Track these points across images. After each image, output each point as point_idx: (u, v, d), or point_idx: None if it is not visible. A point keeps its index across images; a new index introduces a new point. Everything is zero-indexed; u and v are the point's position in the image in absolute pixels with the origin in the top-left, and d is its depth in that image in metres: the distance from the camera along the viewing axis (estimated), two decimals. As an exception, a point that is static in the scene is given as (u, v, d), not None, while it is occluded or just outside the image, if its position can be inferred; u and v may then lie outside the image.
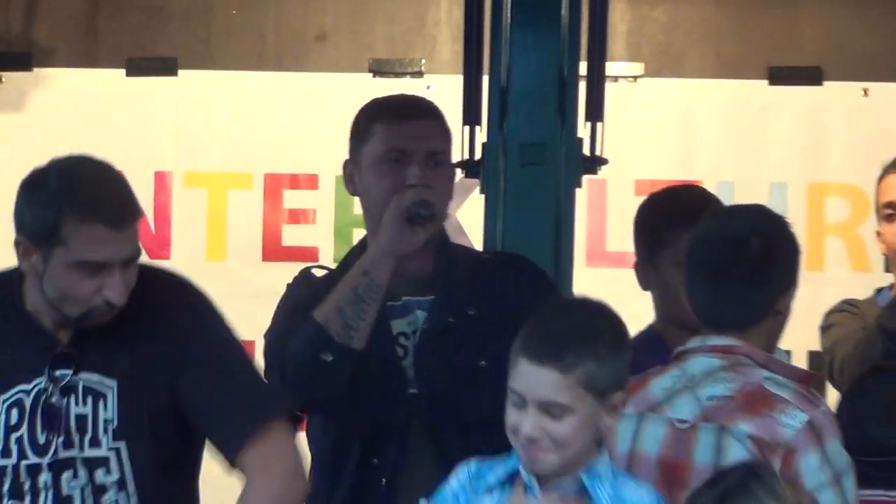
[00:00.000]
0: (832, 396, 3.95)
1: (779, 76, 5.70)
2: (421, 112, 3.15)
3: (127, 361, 2.77)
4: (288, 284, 3.24)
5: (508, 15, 3.42)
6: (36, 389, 2.71)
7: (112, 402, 2.75)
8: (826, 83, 5.74)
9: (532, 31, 3.50)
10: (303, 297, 3.09)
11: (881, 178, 4.50)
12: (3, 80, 5.74)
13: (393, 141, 3.03)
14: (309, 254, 5.23)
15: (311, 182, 5.62)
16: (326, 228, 5.40)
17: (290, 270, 3.35)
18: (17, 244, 2.67)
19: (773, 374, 2.75)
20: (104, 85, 5.82)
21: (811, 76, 5.70)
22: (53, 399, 2.69)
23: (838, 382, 4.10)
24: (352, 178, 3.09)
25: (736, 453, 2.64)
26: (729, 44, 5.96)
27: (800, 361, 4.68)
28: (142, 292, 2.68)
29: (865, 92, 5.79)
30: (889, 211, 4.54)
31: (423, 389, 2.99)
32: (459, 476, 2.46)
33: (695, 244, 2.95)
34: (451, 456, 2.59)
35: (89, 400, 2.75)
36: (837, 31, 6.06)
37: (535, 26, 3.49)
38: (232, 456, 2.64)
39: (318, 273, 3.21)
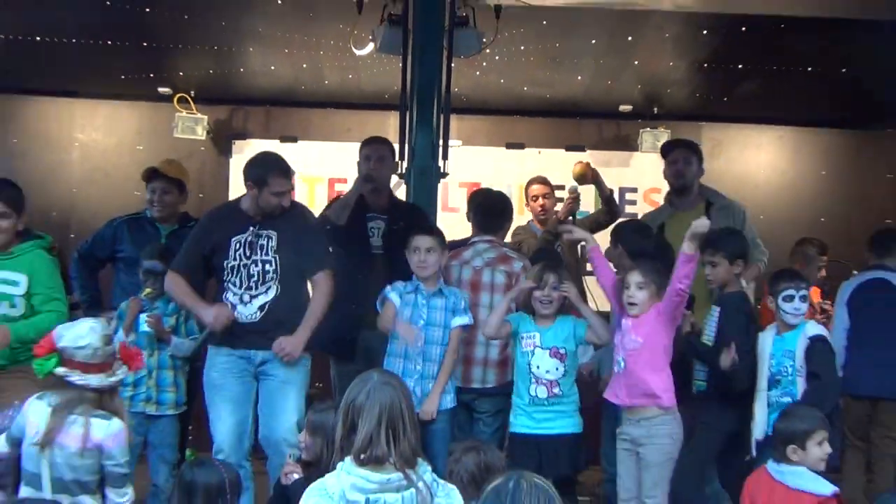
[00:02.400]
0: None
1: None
2: (378, 141, 6.24)
3: (281, 227, 5.41)
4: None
5: (414, 120, 6.04)
6: (246, 235, 5.40)
7: (274, 241, 5.39)
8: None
9: (421, 130, 6.04)
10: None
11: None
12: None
13: (366, 151, 6.15)
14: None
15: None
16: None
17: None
18: (248, 185, 5.41)
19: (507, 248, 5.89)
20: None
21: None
22: (253, 238, 5.38)
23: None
24: (359, 164, 6.14)
25: (498, 278, 5.59)
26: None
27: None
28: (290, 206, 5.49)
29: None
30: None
31: (381, 251, 6.02)
32: (395, 287, 5.39)
33: None
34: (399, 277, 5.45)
35: (266, 240, 5.40)
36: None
37: (424, 127, 6.03)
38: (310, 275, 5.44)
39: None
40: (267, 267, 5.40)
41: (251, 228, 5.43)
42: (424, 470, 3.05)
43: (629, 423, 4.98)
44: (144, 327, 5.87)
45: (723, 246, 5.31)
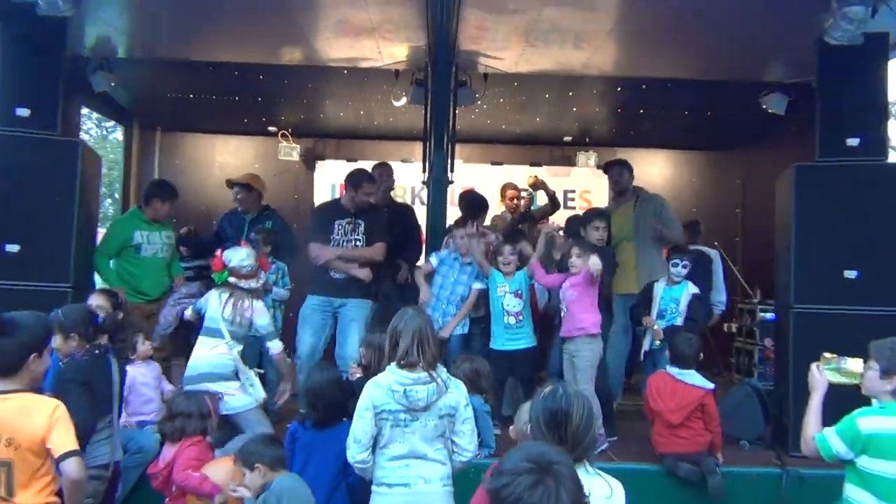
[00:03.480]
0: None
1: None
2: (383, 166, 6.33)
3: (366, 217, 5.40)
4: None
5: (432, 147, 5.82)
6: (344, 221, 5.37)
7: (363, 226, 5.39)
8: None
9: (437, 154, 5.75)
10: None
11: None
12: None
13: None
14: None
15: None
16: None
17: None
18: (346, 188, 5.44)
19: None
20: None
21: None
22: (349, 223, 5.37)
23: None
24: None
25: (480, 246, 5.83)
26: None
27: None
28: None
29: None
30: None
31: None
32: (439, 254, 5.40)
33: None
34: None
35: (357, 225, 5.39)
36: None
37: (439, 151, 5.78)
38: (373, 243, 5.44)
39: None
40: (357, 243, 5.43)
41: (348, 217, 5.46)
42: (441, 371, 3.15)
43: (569, 342, 4.96)
44: None
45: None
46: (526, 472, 1.54)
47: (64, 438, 2.64)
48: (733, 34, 5.33)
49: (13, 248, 4.66)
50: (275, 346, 4.53)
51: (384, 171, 6.35)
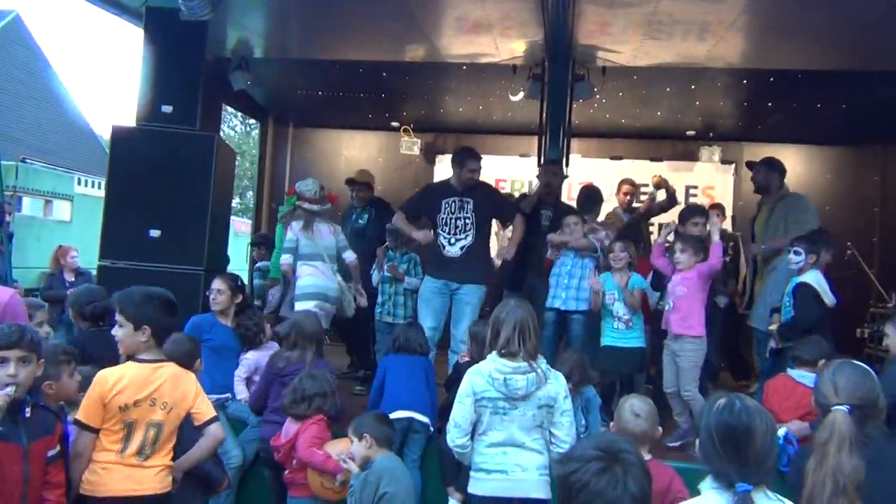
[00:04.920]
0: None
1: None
2: (555, 162, 5.89)
3: (476, 195, 5.26)
4: None
5: (548, 141, 5.99)
6: (453, 199, 5.25)
7: (471, 205, 5.23)
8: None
9: (553, 148, 5.92)
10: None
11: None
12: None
13: (549, 168, 5.86)
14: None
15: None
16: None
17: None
18: (453, 165, 5.32)
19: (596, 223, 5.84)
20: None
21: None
22: (458, 201, 5.25)
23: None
24: (539, 176, 5.82)
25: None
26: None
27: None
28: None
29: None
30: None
31: (548, 228, 5.51)
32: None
33: None
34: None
35: (466, 203, 5.25)
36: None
37: (555, 146, 5.96)
38: (508, 220, 5.49)
39: None
40: (467, 221, 5.33)
41: (455, 196, 5.40)
42: (541, 361, 3.13)
43: (673, 341, 4.68)
44: (386, 272, 5.93)
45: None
46: (594, 459, 1.54)
47: (207, 405, 2.96)
48: (868, 21, 4.99)
49: (155, 233, 5.02)
50: (349, 256, 5.47)
51: (551, 168, 6.05)
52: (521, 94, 6.60)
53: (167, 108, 5.16)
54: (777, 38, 5.59)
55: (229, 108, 10.09)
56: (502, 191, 8.33)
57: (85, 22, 74.01)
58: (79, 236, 11.32)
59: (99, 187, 21.48)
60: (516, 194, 8.49)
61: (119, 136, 5.22)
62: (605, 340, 5.09)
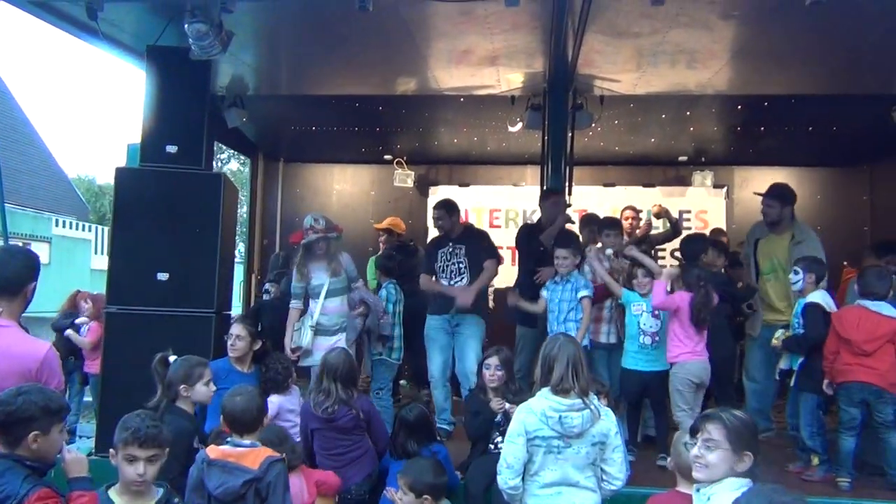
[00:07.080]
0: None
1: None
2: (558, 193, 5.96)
3: (466, 241, 5.66)
4: None
5: (549, 170, 5.98)
6: (447, 248, 5.66)
7: (463, 250, 5.63)
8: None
9: (554, 177, 5.97)
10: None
11: None
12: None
13: (559, 199, 5.87)
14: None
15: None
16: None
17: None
18: (436, 219, 5.81)
19: None
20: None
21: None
22: (453, 249, 5.65)
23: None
24: (556, 210, 5.74)
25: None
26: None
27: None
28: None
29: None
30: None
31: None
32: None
33: None
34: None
35: (458, 249, 5.65)
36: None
37: (556, 174, 5.97)
38: (483, 262, 5.59)
39: None
40: (460, 265, 5.68)
41: (449, 244, 5.76)
42: (593, 398, 3.07)
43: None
44: None
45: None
46: None
47: None
48: (862, 47, 5.11)
49: (164, 276, 4.88)
50: (359, 282, 5.45)
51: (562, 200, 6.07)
52: (520, 125, 6.62)
53: (172, 148, 5.04)
54: (774, 66, 5.66)
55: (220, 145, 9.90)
56: (496, 220, 8.59)
57: (49, 61, 73.27)
58: (57, 278, 10.99)
59: (76, 228, 21.12)
60: (512, 224, 8.51)
61: (124, 177, 5.07)
62: (628, 362, 5.03)
